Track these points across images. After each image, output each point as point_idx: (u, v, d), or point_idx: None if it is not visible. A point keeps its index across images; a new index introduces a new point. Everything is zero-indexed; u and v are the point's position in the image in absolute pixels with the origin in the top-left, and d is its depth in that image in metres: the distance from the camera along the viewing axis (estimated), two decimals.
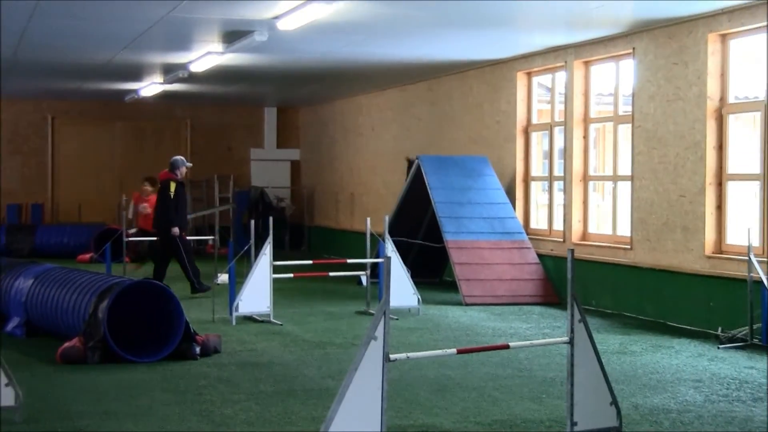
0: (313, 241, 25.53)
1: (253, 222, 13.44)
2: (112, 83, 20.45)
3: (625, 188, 13.95)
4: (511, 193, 16.22)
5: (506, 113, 16.52)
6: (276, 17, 12.30)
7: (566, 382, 6.33)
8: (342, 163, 23.86)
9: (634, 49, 13.35)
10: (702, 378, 9.13)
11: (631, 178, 13.51)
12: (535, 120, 16.28)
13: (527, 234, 15.66)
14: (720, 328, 11.36)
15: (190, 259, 15.34)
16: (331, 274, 15.02)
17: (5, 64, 17.02)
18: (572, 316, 6.25)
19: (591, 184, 15.00)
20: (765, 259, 11.17)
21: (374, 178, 21.84)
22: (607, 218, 14.83)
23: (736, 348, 10.67)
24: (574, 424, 6.29)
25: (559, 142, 15.54)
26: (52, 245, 22.26)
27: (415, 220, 16.87)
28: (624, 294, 13.65)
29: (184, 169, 15.72)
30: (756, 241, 11.39)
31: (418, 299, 13.25)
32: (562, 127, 15.17)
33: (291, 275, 13.79)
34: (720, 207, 12.15)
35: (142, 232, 17.90)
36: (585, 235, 14.82)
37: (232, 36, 13.88)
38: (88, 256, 20.95)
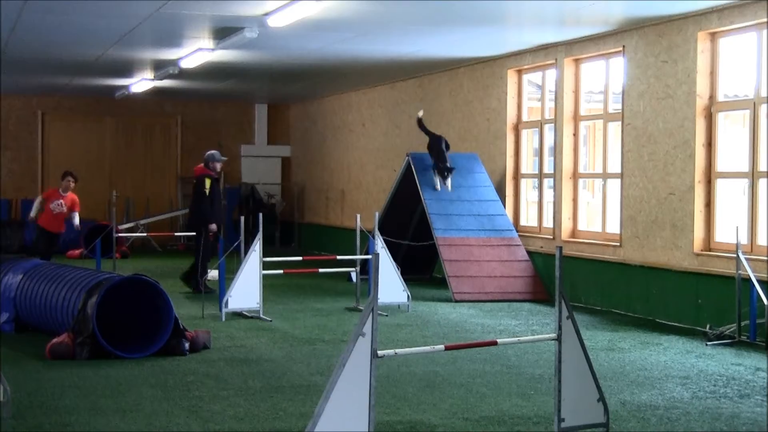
0: (303, 237, 25.53)
1: (243, 218, 13.44)
2: (102, 79, 20.41)
3: (614, 186, 13.98)
4: (501, 190, 16.24)
5: (496, 110, 16.54)
6: (266, 14, 12.31)
7: (554, 379, 6.35)
8: (332, 160, 23.86)
9: (624, 47, 13.38)
10: (689, 375, 9.16)
11: (621, 176, 13.54)
12: (525, 117, 16.30)
13: (517, 231, 15.68)
14: (708, 325, 11.40)
15: (206, 258, 15.11)
16: (321, 270, 15.04)
17: None
18: (560, 312, 6.27)
19: (581, 181, 15.03)
20: (753, 257, 11.21)
21: (364, 174, 21.84)
22: (596, 215, 14.86)
23: (723, 345, 10.71)
24: (561, 420, 6.31)
25: (549, 140, 15.57)
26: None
27: (405, 216, 16.88)
28: (613, 291, 13.69)
29: (218, 165, 15.42)
30: (744, 239, 11.44)
31: (408, 296, 13.26)
32: (553, 124, 15.20)
33: (281, 272, 13.80)
34: (709, 205, 12.18)
35: (40, 230, 16.15)
36: (575, 233, 14.85)
37: (223, 32, 13.87)
38: (78, 251, 20.93)
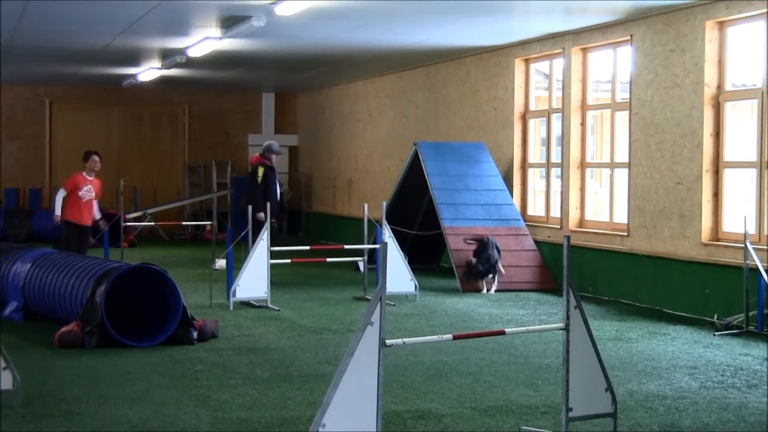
0: (310, 226, 25.54)
1: (250, 207, 13.44)
2: (109, 68, 20.42)
3: (622, 175, 13.96)
4: (508, 179, 16.23)
5: (504, 100, 16.52)
6: (274, 3, 12.29)
7: (562, 369, 6.34)
8: (339, 149, 23.85)
9: (631, 36, 13.35)
10: (697, 365, 9.16)
11: (628, 165, 13.52)
12: (532, 107, 16.29)
13: (524, 221, 15.67)
14: (716, 315, 11.38)
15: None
16: (329, 259, 15.04)
17: (1, 49, 17.00)
18: (568, 302, 6.27)
19: (588, 170, 15.02)
20: (761, 247, 11.19)
21: (371, 164, 21.84)
22: (604, 205, 14.85)
23: (731, 335, 10.71)
24: (569, 410, 6.31)
25: (556, 129, 15.54)
26: (50, 230, 22.18)
27: (413, 206, 16.88)
28: (620, 281, 13.68)
29: (274, 157, 15.51)
30: (752, 229, 11.42)
31: (415, 285, 13.27)
32: (560, 113, 15.17)
33: (288, 261, 13.82)
34: (717, 194, 12.16)
35: (69, 226, 14.52)
36: (582, 222, 14.84)
37: (230, 21, 13.86)
38: None
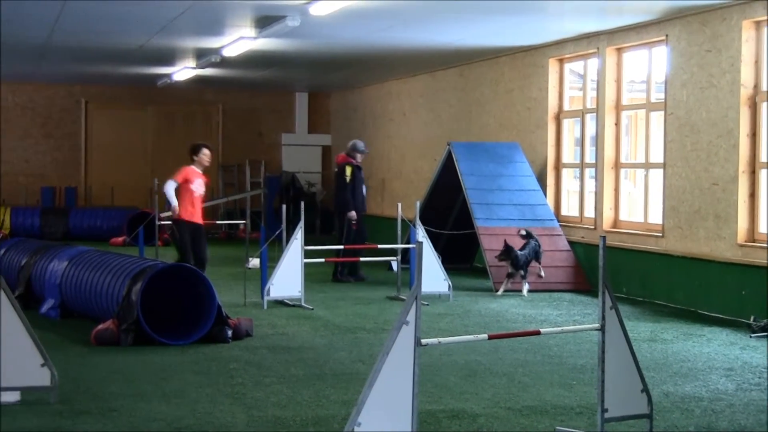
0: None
1: (284, 207, 13.49)
2: (144, 67, 20.55)
3: (657, 176, 13.89)
4: (542, 179, 16.18)
5: (537, 100, 16.48)
6: (308, 2, 12.33)
7: (597, 369, 6.33)
8: (372, 149, 23.79)
9: (667, 36, 13.28)
10: (734, 366, 9.10)
11: (663, 166, 13.45)
12: (566, 107, 16.23)
13: (558, 221, 15.63)
14: (752, 317, 11.30)
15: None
16: (362, 259, 15.07)
17: (38, 49, 17.15)
18: (603, 303, 6.25)
19: (623, 171, 14.95)
20: None
21: (405, 164, 21.85)
22: (638, 206, 14.78)
23: None
24: (604, 410, 6.29)
25: (590, 129, 15.49)
26: (86, 228, 22.45)
27: (446, 206, 16.87)
28: (655, 282, 13.61)
29: (359, 156, 15.67)
30: None
31: (449, 285, 13.26)
32: (594, 114, 15.12)
33: (322, 260, 13.86)
34: (753, 195, 12.08)
35: (183, 226, 13.05)
36: (616, 223, 14.78)
37: (265, 21, 13.91)
38: (121, 239, 21.12)
